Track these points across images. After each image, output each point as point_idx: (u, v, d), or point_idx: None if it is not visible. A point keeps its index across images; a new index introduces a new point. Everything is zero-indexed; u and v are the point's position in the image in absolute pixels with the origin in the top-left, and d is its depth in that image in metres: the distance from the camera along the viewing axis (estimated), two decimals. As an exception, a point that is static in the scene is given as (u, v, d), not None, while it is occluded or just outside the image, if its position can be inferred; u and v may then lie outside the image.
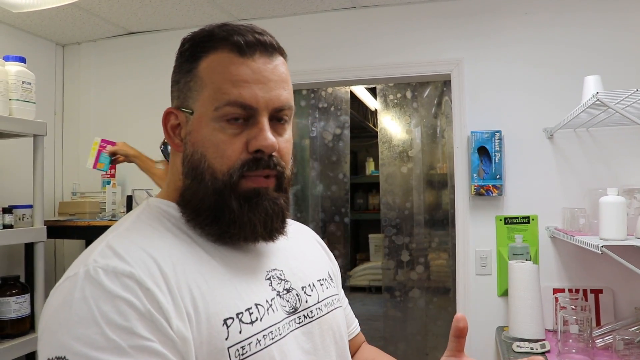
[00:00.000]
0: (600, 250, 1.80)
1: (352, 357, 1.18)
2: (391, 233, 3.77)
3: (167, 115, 0.92)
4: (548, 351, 2.22)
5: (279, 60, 0.89)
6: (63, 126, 3.49)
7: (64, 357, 0.68)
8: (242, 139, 0.85)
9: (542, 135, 2.69)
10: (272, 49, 0.88)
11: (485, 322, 2.70)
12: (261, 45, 0.86)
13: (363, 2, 2.90)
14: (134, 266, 0.75)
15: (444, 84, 3.49)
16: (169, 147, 0.96)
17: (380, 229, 4.08)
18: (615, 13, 2.63)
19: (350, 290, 5.13)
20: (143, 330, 0.70)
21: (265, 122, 0.86)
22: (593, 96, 1.87)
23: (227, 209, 0.85)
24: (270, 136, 0.85)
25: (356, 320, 1.24)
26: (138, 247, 0.79)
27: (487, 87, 2.77)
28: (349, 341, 1.15)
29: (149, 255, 0.78)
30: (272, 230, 0.90)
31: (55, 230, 2.92)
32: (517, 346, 2.25)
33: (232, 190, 0.85)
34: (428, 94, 3.59)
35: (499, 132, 2.68)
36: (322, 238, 3.89)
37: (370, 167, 5.75)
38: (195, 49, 0.88)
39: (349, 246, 3.76)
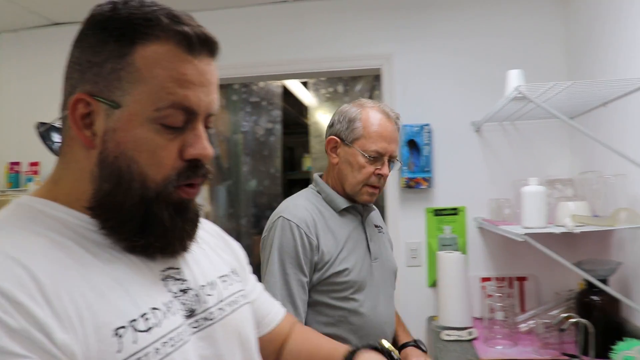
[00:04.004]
0: (522, 238, 1.85)
1: (282, 346, 1.14)
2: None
3: (77, 102, 0.76)
4: (475, 338, 2.28)
5: (215, 61, 0.83)
6: (-19, 120, 3.32)
7: None
8: (177, 144, 0.78)
9: (470, 128, 2.76)
10: (216, 48, 0.81)
11: (416, 312, 2.74)
12: (208, 43, 0.80)
13: (294, -5, 2.89)
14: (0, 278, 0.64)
15: (374, 78, 3.53)
16: (53, 134, 0.85)
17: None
18: (540, 8, 2.72)
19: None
20: (17, 348, 0.61)
21: (202, 128, 0.80)
22: (515, 89, 1.92)
23: (157, 221, 0.78)
24: (208, 144, 0.80)
25: (277, 305, 1.18)
26: (5, 256, 0.67)
27: (417, 81, 2.81)
28: (274, 330, 1.12)
29: (18, 264, 0.66)
30: (192, 240, 0.87)
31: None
32: (446, 334, 2.30)
33: (164, 200, 0.78)
34: (359, 88, 3.62)
35: (428, 125, 2.72)
36: (255, 233, 3.82)
37: (306, 163, 5.76)
38: (131, 32, 0.75)
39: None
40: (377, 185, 1.70)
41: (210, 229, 1.07)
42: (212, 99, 0.82)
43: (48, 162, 3.15)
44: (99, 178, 0.77)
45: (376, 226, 1.86)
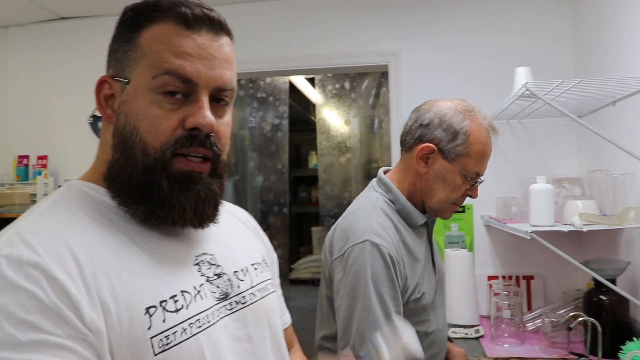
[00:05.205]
0: (529, 236, 1.84)
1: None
2: (329, 223, 3.76)
3: (100, 83, 0.85)
4: (482, 336, 2.28)
5: (224, 39, 0.86)
6: (-10, 114, 3.33)
7: None
8: (179, 115, 0.81)
9: (477, 126, 2.74)
10: (219, 26, 0.84)
11: (423, 310, 2.73)
12: (209, 21, 0.83)
13: (302, -9, 2.89)
14: (41, 254, 0.69)
15: (381, 75, 3.51)
16: (100, 123, 0.90)
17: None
18: (547, 5, 2.71)
19: (293, 283, 5.09)
20: (47, 324, 0.65)
21: (205, 100, 0.82)
22: (522, 86, 1.91)
23: (156, 189, 0.81)
24: (209, 114, 0.82)
25: (287, 313, 1.18)
26: (50, 234, 0.73)
27: (424, 79, 2.80)
28: (284, 332, 1.11)
29: (62, 242, 0.72)
30: (203, 216, 0.86)
31: (-19, 223, 2.79)
32: (453, 332, 2.29)
33: (163, 168, 0.81)
34: (366, 85, 3.60)
35: (436, 122, 2.71)
36: (262, 229, 3.82)
37: (313, 160, 5.74)
38: (139, 18, 0.83)
39: (288, 237, 3.72)
40: (461, 204, 1.55)
41: (244, 219, 1.11)
42: (218, 73, 0.83)
43: (56, 155, 3.17)
44: (113, 148, 0.84)
45: None
